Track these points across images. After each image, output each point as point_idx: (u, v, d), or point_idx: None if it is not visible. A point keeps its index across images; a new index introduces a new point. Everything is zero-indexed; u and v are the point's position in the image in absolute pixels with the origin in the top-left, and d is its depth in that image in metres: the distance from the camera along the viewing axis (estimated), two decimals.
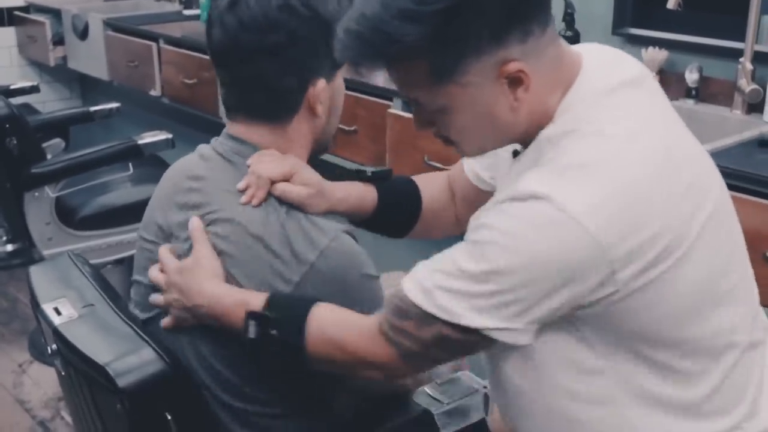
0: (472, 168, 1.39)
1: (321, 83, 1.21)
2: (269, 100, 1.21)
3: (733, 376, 1.09)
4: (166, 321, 1.21)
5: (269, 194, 1.19)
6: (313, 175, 1.23)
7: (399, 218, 1.41)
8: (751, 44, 2.14)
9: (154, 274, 1.22)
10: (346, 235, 1.19)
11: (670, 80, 2.36)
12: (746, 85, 2.14)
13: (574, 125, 1.03)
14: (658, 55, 2.34)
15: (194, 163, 1.26)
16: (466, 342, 1.03)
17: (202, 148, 1.29)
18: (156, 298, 1.22)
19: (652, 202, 0.98)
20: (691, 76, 2.28)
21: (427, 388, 1.38)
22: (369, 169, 1.39)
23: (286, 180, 1.20)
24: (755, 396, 1.12)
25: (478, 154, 1.15)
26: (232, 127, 1.25)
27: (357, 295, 1.17)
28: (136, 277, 1.30)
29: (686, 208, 1.02)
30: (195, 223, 1.19)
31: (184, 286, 1.17)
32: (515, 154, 1.14)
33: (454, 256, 1.03)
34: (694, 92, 2.28)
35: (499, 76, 1.01)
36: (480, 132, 1.07)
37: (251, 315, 1.12)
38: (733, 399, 1.10)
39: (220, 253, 1.17)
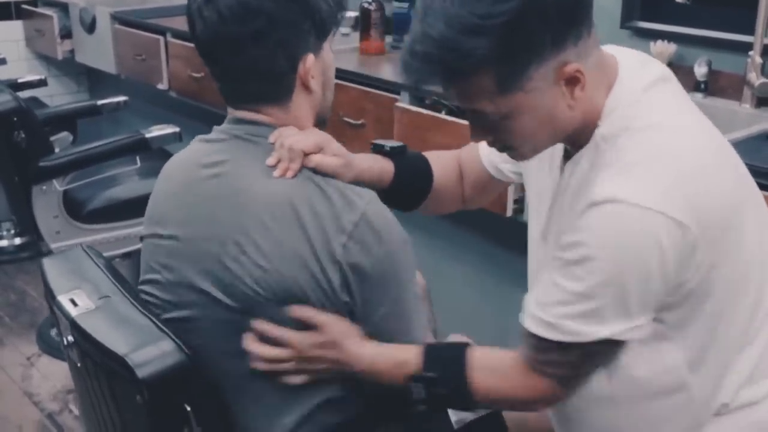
0: (491, 159, 1.44)
1: (310, 59, 1.22)
2: (265, 85, 1.22)
3: None
4: (295, 380, 1.21)
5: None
6: (340, 147, 1.27)
7: (411, 192, 1.46)
8: (760, 38, 2.14)
9: (264, 350, 1.18)
10: (378, 200, 1.22)
11: (678, 74, 2.30)
12: (755, 78, 2.13)
13: (625, 122, 1.10)
14: (667, 48, 2.34)
15: (203, 152, 1.26)
16: (607, 350, 1.12)
17: (205, 137, 1.29)
18: (280, 367, 1.20)
19: (711, 179, 1.09)
20: (700, 70, 2.28)
21: None
22: (387, 144, 1.43)
23: (317, 152, 1.22)
24: None
25: (533, 156, 1.20)
26: (238, 113, 1.25)
27: (397, 256, 1.21)
28: (152, 276, 1.28)
29: (733, 183, 1.13)
30: (300, 310, 1.17)
31: (338, 358, 1.19)
32: (566, 154, 1.21)
33: (558, 282, 1.10)
34: (702, 86, 2.28)
35: (558, 79, 1.07)
36: (539, 134, 1.13)
37: (414, 378, 1.18)
38: None
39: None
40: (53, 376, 2.85)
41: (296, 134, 1.22)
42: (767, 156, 1.84)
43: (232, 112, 1.26)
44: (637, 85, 1.13)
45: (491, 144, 1.18)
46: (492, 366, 1.19)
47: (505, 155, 1.35)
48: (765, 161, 1.77)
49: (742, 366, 1.20)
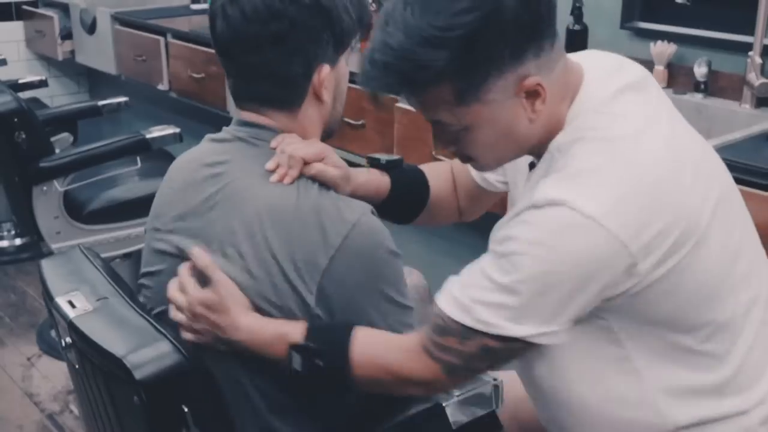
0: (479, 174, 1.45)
1: (325, 69, 1.23)
2: (277, 88, 1.23)
3: (753, 354, 1.15)
4: (188, 337, 1.19)
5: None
6: (339, 159, 1.26)
7: (408, 205, 1.46)
8: (760, 38, 2.14)
9: (176, 295, 1.19)
10: (372, 214, 1.22)
11: (678, 74, 2.36)
12: (755, 79, 2.13)
13: (580, 133, 1.09)
14: (667, 48, 2.34)
15: (208, 152, 1.27)
16: (509, 350, 1.09)
17: (213, 136, 1.30)
18: (178, 317, 1.19)
19: (662, 196, 1.05)
20: (700, 70, 2.28)
21: None
22: (383, 158, 1.43)
23: (318, 161, 1.22)
24: None
25: (496, 167, 1.21)
26: (245, 114, 1.26)
27: (383, 270, 1.20)
28: (149, 268, 1.30)
29: (695, 198, 1.08)
30: (198, 253, 1.17)
31: (217, 321, 1.16)
32: (531, 166, 1.19)
33: (485, 270, 1.08)
34: (702, 86, 2.28)
35: (518, 92, 1.07)
36: (500, 146, 1.13)
37: (294, 348, 1.14)
38: (755, 375, 1.16)
39: None
40: (54, 376, 2.85)
41: (298, 142, 1.22)
42: (767, 156, 1.83)
43: (239, 113, 1.27)
44: (600, 94, 1.12)
45: (454, 155, 1.18)
46: (377, 341, 1.16)
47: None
48: (764, 162, 1.77)
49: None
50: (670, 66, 2.36)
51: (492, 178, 1.44)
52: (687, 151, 1.13)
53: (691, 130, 1.19)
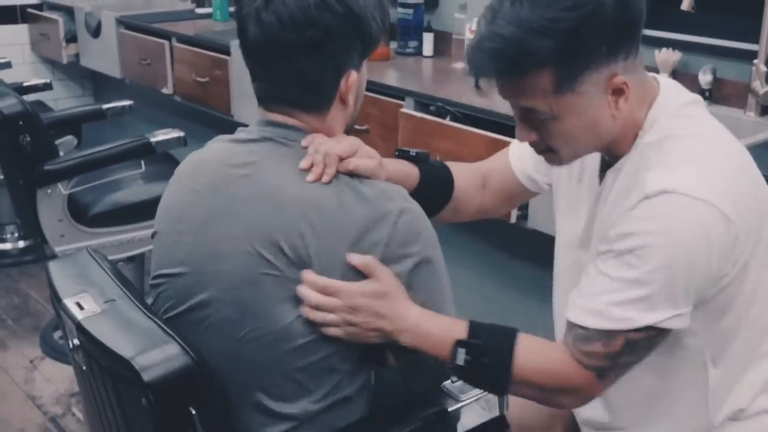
0: (524, 169, 1.53)
1: (353, 75, 1.25)
2: (307, 92, 1.24)
3: None
4: (337, 332, 1.20)
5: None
6: (371, 149, 1.30)
7: (434, 198, 1.50)
8: (765, 46, 2.14)
9: (322, 299, 1.18)
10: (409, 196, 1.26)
11: (683, 82, 2.30)
12: (760, 87, 2.14)
13: (668, 131, 1.20)
14: (672, 56, 2.35)
15: (233, 153, 1.26)
16: (651, 339, 1.17)
17: (233, 137, 1.30)
18: (328, 318, 1.19)
19: (750, 179, 1.21)
20: (705, 78, 2.29)
21: (444, 385, 1.39)
22: (412, 150, 1.51)
23: (352, 156, 1.24)
24: None
25: (571, 161, 1.29)
26: (272, 115, 1.27)
27: (432, 252, 1.25)
28: (166, 270, 1.27)
29: (762, 191, 1.22)
30: (358, 257, 1.18)
31: (383, 310, 1.20)
32: (605, 165, 1.29)
33: (608, 273, 1.17)
34: (707, 94, 2.29)
35: (607, 87, 1.17)
36: (582, 139, 1.22)
37: (460, 343, 1.21)
38: None
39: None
40: (56, 379, 2.85)
41: (330, 140, 1.25)
42: None
43: (264, 114, 1.28)
44: (675, 103, 1.23)
45: (534, 144, 1.25)
46: (538, 348, 1.23)
47: (538, 165, 1.47)
48: None
49: (761, 371, 1.27)
50: (674, 73, 2.36)
51: (540, 179, 1.51)
52: (746, 152, 1.27)
53: None
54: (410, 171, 1.46)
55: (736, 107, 2.25)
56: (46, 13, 4.31)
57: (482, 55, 1.15)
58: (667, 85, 1.27)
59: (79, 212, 2.79)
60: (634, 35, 1.18)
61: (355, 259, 1.18)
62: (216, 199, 1.24)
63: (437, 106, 2.44)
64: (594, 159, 1.33)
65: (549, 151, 1.25)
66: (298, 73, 1.22)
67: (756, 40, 2.16)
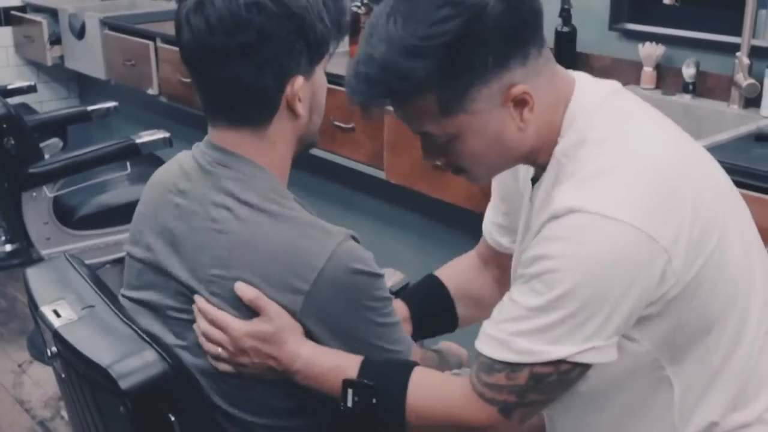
0: (492, 236, 1.43)
1: (299, 81, 1.16)
2: (246, 102, 1.16)
3: (760, 364, 1.14)
4: (225, 368, 1.15)
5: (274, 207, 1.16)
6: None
7: (437, 321, 1.43)
8: (747, 39, 2.14)
9: (211, 330, 1.14)
10: (351, 239, 1.17)
11: (667, 75, 2.36)
12: (743, 79, 2.14)
13: (583, 134, 1.08)
14: (655, 50, 2.34)
15: (176, 175, 1.23)
16: (561, 374, 1.04)
17: (183, 157, 1.26)
18: (223, 366, 1.15)
19: (678, 191, 1.04)
20: (688, 71, 2.28)
21: None
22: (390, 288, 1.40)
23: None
24: None
25: (488, 178, 1.19)
26: (214, 134, 1.21)
27: (364, 295, 1.16)
28: (128, 293, 1.27)
29: (707, 193, 1.07)
30: (247, 290, 1.12)
31: (273, 353, 1.13)
32: (534, 181, 1.18)
33: (515, 299, 1.05)
34: (691, 87, 2.28)
35: (505, 100, 1.06)
36: (490, 156, 1.11)
37: (348, 383, 1.12)
38: (759, 387, 1.15)
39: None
40: (45, 383, 2.84)
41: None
42: (755, 156, 1.84)
43: (209, 134, 1.22)
44: (594, 96, 1.11)
45: (444, 166, 1.15)
46: (433, 384, 1.13)
47: (501, 228, 1.38)
48: (753, 162, 1.78)
49: (728, 383, 1.13)
50: (658, 67, 2.36)
51: (505, 242, 1.40)
52: (690, 145, 1.14)
53: (680, 129, 1.19)
54: (400, 313, 1.32)
55: (720, 100, 2.25)
56: (29, 15, 4.29)
57: (356, 81, 1.05)
58: (581, 77, 1.14)
59: (65, 215, 2.78)
60: (529, 38, 1.06)
61: (243, 290, 1.11)
62: (157, 226, 1.22)
63: None
64: (529, 176, 1.21)
65: (461, 171, 1.15)
66: (233, 80, 1.13)
67: (738, 32, 2.16)
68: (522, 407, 1.07)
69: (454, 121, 1.06)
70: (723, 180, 1.16)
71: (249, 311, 1.14)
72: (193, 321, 1.17)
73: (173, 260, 1.18)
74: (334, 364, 1.14)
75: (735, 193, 1.18)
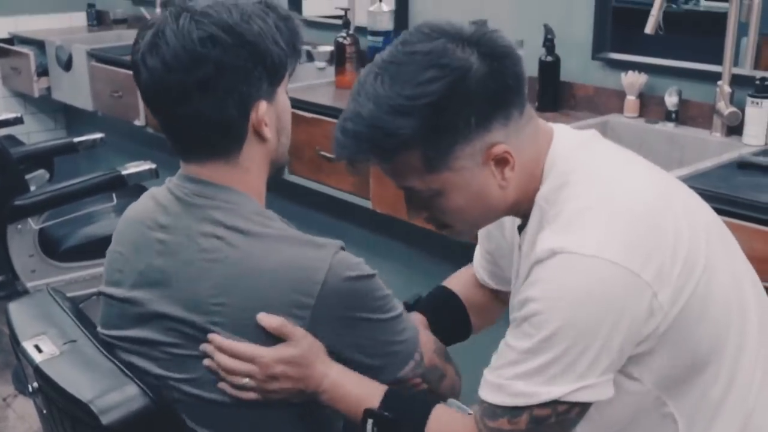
0: (481, 275, 1.48)
1: (262, 106, 1.17)
2: (213, 135, 1.16)
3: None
4: (250, 396, 1.16)
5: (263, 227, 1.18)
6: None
7: (454, 330, 1.46)
8: (728, 67, 2.16)
9: (236, 365, 1.13)
10: (341, 249, 1.19)
11: (649, 103, 2.38)
12: (725, 107, 2.15)
13: (563, 178, 1.11)
14: (638, 79, 2.37)
15: (153, 211, 1.22)
16: (560, 415, 1.06)
17: (156, 192, 1.25)
18: (249, 395, 1.16)
19: (658, 224, 1.07)
20: (671, 100, 2.30)
21: None
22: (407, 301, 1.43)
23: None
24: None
25: (471, 233, 1.23)
26: (188, 168, 1.21)
27: (365, 298, 1.18)
28: (109, 332, 1.25)
29: (688, 227, 1.09)
30: (270, 319, 1.13)
31: (302, 375, 1.15)
32: (520, 229, 1.21)
33: (509, 343, 1.08)
34: (673, 115, 2.30)
35: (486, 159, 1.09)
36: (473, 212, 1.15)
37: (369, 413, 1.15)
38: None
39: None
40: (29, 416, 2.81)
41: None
42: (737, 184, 1.85)
43: (182, 167, 1.22)
44: (572, 142, 1.15)
45: (427, 221, 1.18)
46: (452, 423, 1.15)
47: (485, 268, 1.43)
48: (735, 190, 1.78)
49: (732, 415, 1.14)
50: (641, 96, 2.38)
51: (492, 283, 1.46)
52: (670, 183, 1.17)
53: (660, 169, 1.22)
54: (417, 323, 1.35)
55: (703, 128, 2.27)
56: (16, 47, 4.30)
57: (343, 137, 1.08)
58: (559, 127, 1.19)
59: (51, 247, 2.77)
60: (511, 100, 1.09)
61: (267, 320, 1.12)
62: (140, 265, 1.21)
63: None
64: (516, 223, 1.24)
65: (445, 227, 1.18)
66: (197, 115, 1.13)
67: (720, 61, 2.18)
68: None
69: (438, 178, 1.09)
70: (707, 215, 1.19)
71: (259, 337, 1.14)
72: (195, 355, 1.15)
73: (162, 297, 1.17)
74: (359, 391, 1.17)
75: (721, 226, 1.20)
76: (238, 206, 1.18)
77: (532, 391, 1.05)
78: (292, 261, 1.14)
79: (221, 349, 1.13)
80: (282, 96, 1.22)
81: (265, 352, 1.14)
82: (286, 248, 1.15)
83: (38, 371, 1.13)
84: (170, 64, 1.11)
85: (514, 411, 1.06)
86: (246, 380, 1.14)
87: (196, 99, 1.13)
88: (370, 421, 1.15)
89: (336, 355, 1.19)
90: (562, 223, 1.07)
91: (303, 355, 1.14)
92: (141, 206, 1.26)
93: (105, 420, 1.05)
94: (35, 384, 1.16)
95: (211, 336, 1.14)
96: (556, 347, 1.03)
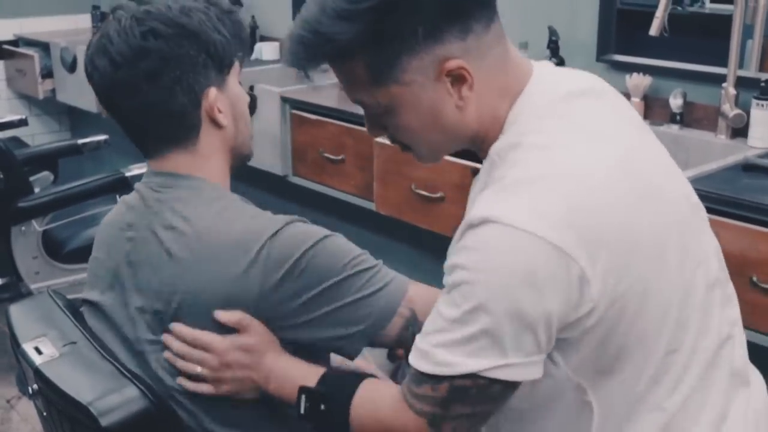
0: None
1: (212, 93, 1.20)
2: (167, 125, 1.20)
3: (694, 398, 1.08)
4: (203, 389, 1.17)
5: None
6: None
7: None
8: (733, 69, 2.16)
9: (193, 352, 1.16)
10: (297, 222, 1.19)
11: (654, 106, 2.37)
12: (730, 110, 2.15)
13: (519, 137, 1.03)
14: (643, 81, 2.36)
15: (122, 213, 1.26)
16: (480, 389, 1.01)
17: (127, 196, 1.29)
18: (202, 388, 1.17)
19: (604, 204, 0.98)
20: (676, 102, 2.30)
21: None
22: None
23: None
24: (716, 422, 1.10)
25: (433, 157, 1.15)
26: (152, 163, 1.25)
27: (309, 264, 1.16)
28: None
29: (640, 218, 1.01)
30: (228, 315, 1.15)
31: (255, 363, 1.16)
32: (474, 173, 1.16)
33: (439, 310, 1.02)
34: (678, 117, 2.30)
35: (440, 74, 1.02)
36: (429, 133, 1.08)
37: (303, 390, 1.14)
38: (692, 421, 1.09)
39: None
40: (33, 418, 2.81)
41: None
42: (742, 187, 1.84)
43: (148, 164, 1.26)
44: (547, 97, 1.06)
45: (390, 140, 1.13)
46: (373, 396, 1.12)
47: None
48: (740, 192, 1.78)
49: (652, 413, 1.07)
50: (646, 98, 2.37)
51: None
52: (639, 170, 1.05)
53: (658, 147, 1.14)
54: None
55: (708, 130, 2.26)
56: (21, 49, 4.31)
57: (290, 42, 1.05)
58: (542, 72, 1.08)
59: (54, 249, 2.77)
60: (470, 12, 1.01)
61: (225, 316, 1.14)
62: (111, 264, 1.24)
63: None
64: None
65: (407, 148, 1.12)
66: (149, 107, 1.17)
67: (725, 63, 2.17)
68: (450, 420, 1.04)
69: (386, 92, 1.04)
70: (679, 204, 1.10)
71: (216, 328, 1.16)
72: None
73: (136, 293, 1.20)
74: (301, 373, 1.16)
75: (691, 218, 1.12)
76: (199, 191, 1.21)
77: (454, 361, 0.99)
78: (240, 233, 1.15)
79: (180, 337, 1.15)
80: (233, 84, 1.24)
81: (220, 339, 1.15)
82: (238, 219, 1.17)
83: (38, 373, 1.13)
84: (116, 61, 1.15)
85: (436, 379, 1.02)
86: (199, 369, 1.15)
87: (144, 91, 1.16)
88: (303, 398, 1.13)
89: (299, 335, 1.18)
90: (501, 189, 1.00)
91: (257, 342, 1.15)
92: (114, 211, 1.30)
93: (104, 422, 1.05)
94: (35, 386, 1.16)
95: (172, 325, 1.16)
96: (481, 321, 0.97)
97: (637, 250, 1.00)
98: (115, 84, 1.17)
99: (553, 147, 1.01)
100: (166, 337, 1.17)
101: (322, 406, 1.12)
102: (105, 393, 1.08)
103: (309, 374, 1.16)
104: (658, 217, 1.03)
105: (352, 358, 1.24)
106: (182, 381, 1.17)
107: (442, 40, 1.00)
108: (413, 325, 1.20)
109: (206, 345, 1.15)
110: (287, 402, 1.17)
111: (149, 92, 1.16)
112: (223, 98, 1.22)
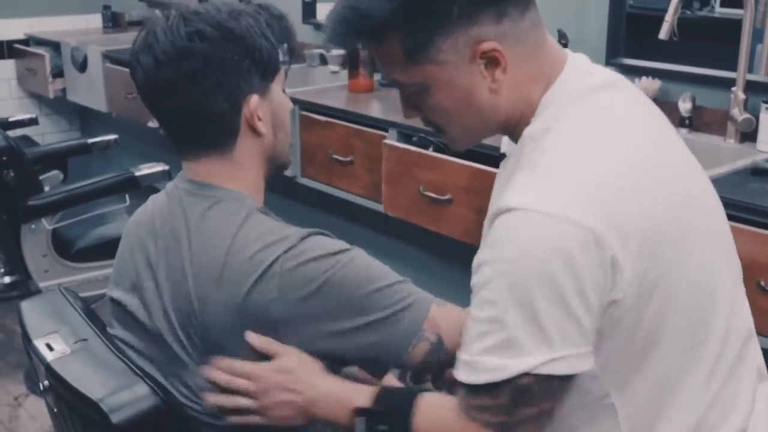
0: None
1: (254, 100, 1.18)
2: (205, 128, 1.19)
3: (726, 389, 1.08)
4: (255, 419, 1.15)
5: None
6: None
7: None
8: (743, 74, 2.16)
9: (235, 381, 1.14)
10: (316, 236, 1.17)
11: (663, 109, 2.30)
12: (739, 114, 2.15)
13: (552, 123, 1.04)
14: (652, 84, 2.36)
15: (150, 215, 1.25)
16: (541, 384, 0.97)
17: (157, 196, 1.28)
18: (241, 402, 1.14)
19: (635, 193, 0.98)
20: (685, 106, 2.30)
21: None
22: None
23: None
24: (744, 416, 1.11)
25: (466, 141, 1.15)
26: (186, 168, 1.23)
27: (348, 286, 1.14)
28: (112, 332, 1.26)
29: (663, 204, 1.01)
30: (257, 339, 1.13)
31: (299, 384, 1.13)
32: (502, 156, 1.16)
33: (474, 313, 1.00)
34: (687, 121, 2.30)
35: (474, 56, 1.03)
36: (463, 115, 1.08)
37: (358, 411, 1.11)
38: (723, 414, 1.09)
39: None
40: (41, 416, 2.82)
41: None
42: (751, 191, 1.84)
43: (183, 169, 1.24)
44: (577, 86, 1.06)
45: (424, 122, 1.12)
46: (436, 412, 1.08)
47: None
48: (749, 196, 1.78)
49: (680, 412, 1.07)
50: (655, 101, 2.36)
51: None
52: (659, 156, 1.06)
53: (676, 138, 1.15)
54: None
55: (717, 134, 2.26)
56: (32, 49, 4.33)
57: (330, 21, 1.05)
58: (575, 61, 1.09)
59: (64, 247, 2.78)
60: None
61: (255, 340, 1.12)
62: (136, 266, 1.23)
63: (420, 137, 2.45)
64: None
65: (440, 131, 1.12)
66: (188, 109, 1.16)
67: (734, 67, 2.18)
68: (518, 425, 1.01)
69: (421, 70, 1.04)
70: (702, 197, 1.11)
71: (240, 351, 1.14)
72: (182, 360, 1.16)
73: (152, 299, 1.19)
74: (350, 392, 1.13)
75: (714, 212, 1.13)
76: (226, 203, 1.18)
77: (505, 364, 0.96)
78: (257, 250, 1.13)
79: (222, 369, 1.14)
80: (277, 92, 1.23)
81: (260, 365, 1.13)
82: (255, 244, 1.14)
83: (49, 369, 1.14)
84: (160, 60, 1.14)
85: (492, 387, 0.98)
86: (244, 400, 1.13)
87: (184, 91, 1.15)
88: (359, 420, 1.10)
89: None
90: (534, 174, 0.99)
91: (296, 364, 1.13)
92: (141, 211, 1.29)
93: (115, 418, 1.05)
94: (46, 382, 1.17)
95: (213, 361, 1.14)
96: (522, 315, 0.94)
97: (665, 241, 1.00)
98: (157, 82, 1.16)
99: (585, 134, 1.02)
100: (211, 373, 1.14)
101: (382, 427, 1.09)
102: (116, 390, 1.08)
103: (357, 393, 1.13)
104: (686, 210, 1.04)
105: (380, 377, 1.24)
106: (232, 417, 1.15)
107: (477, 21, 1.01)
108: (440, 351, 1.18)
109: (245, 374, 1.13)
110: (336, 423, 1.14)
111: (189, 93, 1.15)
112: (264, 106, 1.20)
